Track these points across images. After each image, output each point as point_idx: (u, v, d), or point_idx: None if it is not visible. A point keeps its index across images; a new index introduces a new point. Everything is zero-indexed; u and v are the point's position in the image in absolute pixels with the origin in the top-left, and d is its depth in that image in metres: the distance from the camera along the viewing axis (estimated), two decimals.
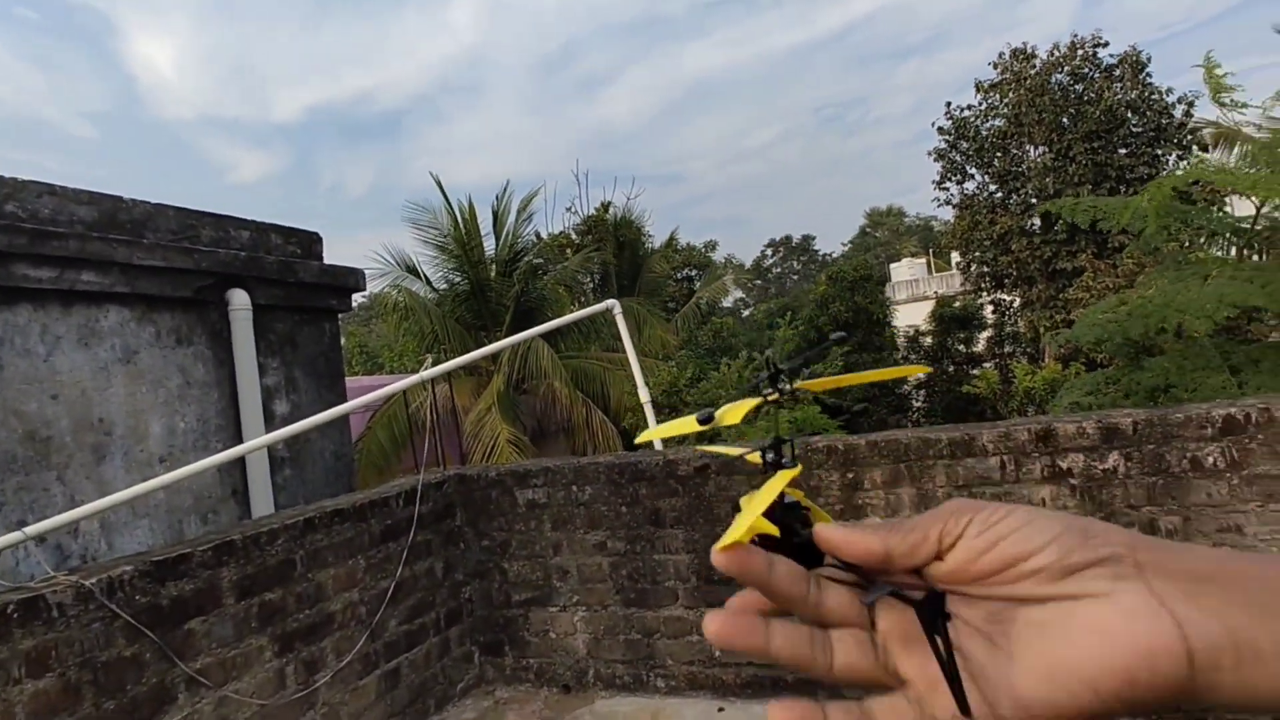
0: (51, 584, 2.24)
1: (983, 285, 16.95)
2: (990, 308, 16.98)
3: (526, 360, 12.14)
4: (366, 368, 20.53)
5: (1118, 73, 15.55)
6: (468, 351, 12.39)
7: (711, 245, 27.54)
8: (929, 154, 17.34)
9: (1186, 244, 6.43)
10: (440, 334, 12.99)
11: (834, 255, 45.32)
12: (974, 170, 16.98)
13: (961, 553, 0.35)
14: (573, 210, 19.49)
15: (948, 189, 17.37)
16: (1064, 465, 2.87)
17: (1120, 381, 5.73)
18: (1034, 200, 15.68)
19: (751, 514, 0.37)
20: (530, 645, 3.70)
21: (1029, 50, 16.35)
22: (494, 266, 13.85)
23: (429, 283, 14.08)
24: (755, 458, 0.44)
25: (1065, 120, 15.49)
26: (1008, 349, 16.36)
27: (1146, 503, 2.78)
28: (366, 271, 4.87)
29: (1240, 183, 5.43)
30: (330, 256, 4.57)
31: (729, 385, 12.02)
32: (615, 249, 17.23)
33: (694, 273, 22.74)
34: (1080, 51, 15.86)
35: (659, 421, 4.74)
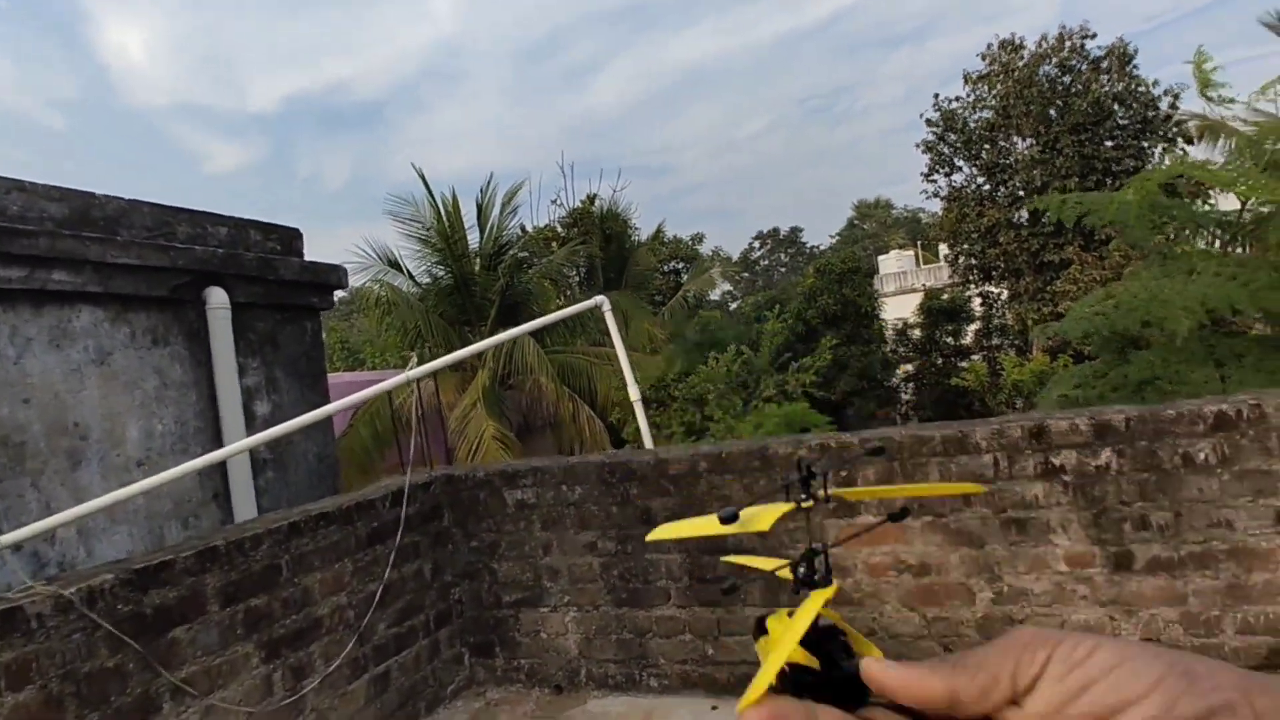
0: (30, 594, 2.17)
1: (970, 278, 17.04)
2: (978, 300, 17.07)
3: (512, 355, 12.06)
4: (348, 364, 20.33)
5: (1105, 65, 15.63)
6: (452, 346, 12.31)
7: (699, 238, 27.50)
8: (917, 146, 17.39)
9: (1172, 237, 6.47)
10: (424, 329, 12.87)
11: (822, 248, 45.42)
12: (962, 162, 17.04)
13: (1045, 698, 0.30)
14: (558, 203, 19.34)
15: (936, 181, 17.43)
16: (1057, 462, 2.87)
17: (1107, 375, 5.76)
18: (1021, 193, 15.76)
19: (784, 648, 0.33)
20: (521, 646, 3.67)
21: (1017, 41, 16.39)
22: (478, 260, 13.73)
23: (411, 277, 13.94)
24: (786, 573, 0.40)
25: (1053, 112, 15.56)
26: (995, 341, 16.48)
27: (1139, 499, 2.78)
28: (348, 265, 4.78)
29: (1221, 179, 5.46)
30: (309, 250, 4.48)
31: (717, 379, 12.00)
32: (601, 242, 17.14)
33: (681, 265, 22.71)
34: (1068, 43, 15.92)
35: (648, 418, 4.69)
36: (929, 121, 17.18)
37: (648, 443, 4.16)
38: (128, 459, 3.34)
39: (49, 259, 3.03)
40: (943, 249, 19.23)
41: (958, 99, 17.04)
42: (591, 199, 18.52)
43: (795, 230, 49.56)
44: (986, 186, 16.59)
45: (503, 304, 13.22)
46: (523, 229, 16.26)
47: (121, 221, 3.45)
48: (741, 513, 0.40)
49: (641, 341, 13.99)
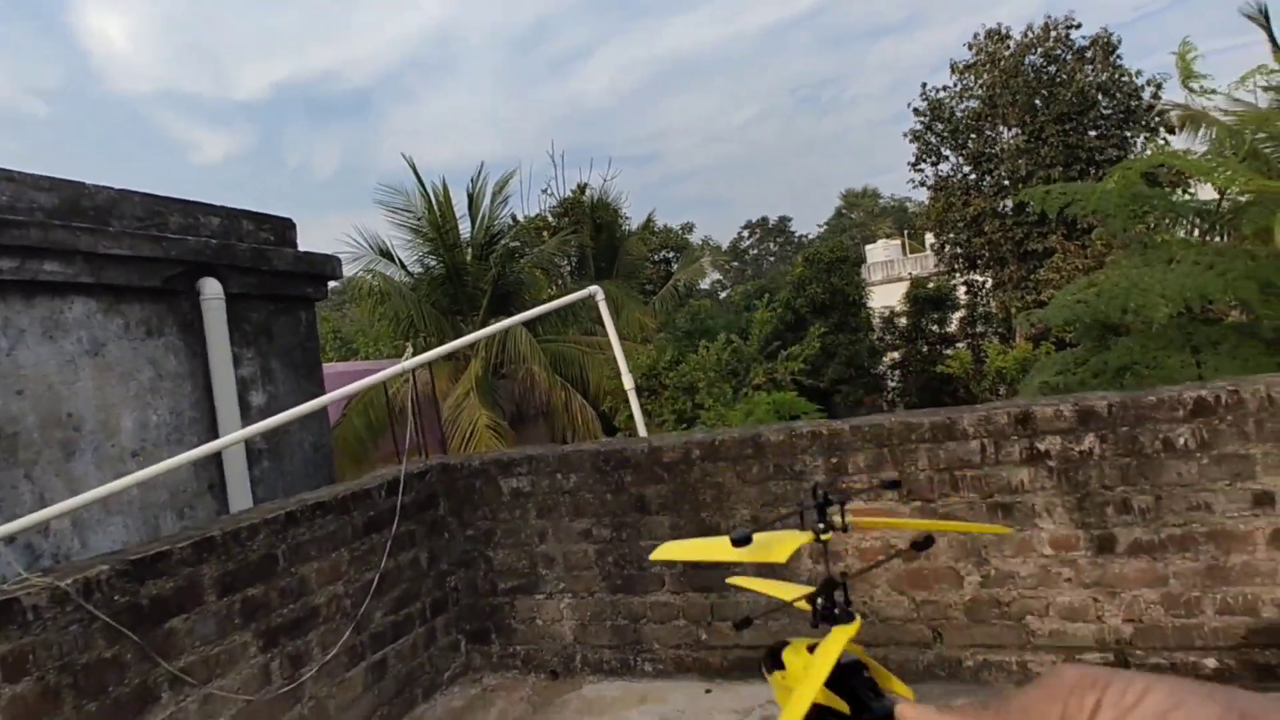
0: (25, 586, 2.17)
1: (956, 266, 17.19)
2: (963, 288, 17.24)
3: (504, 345, 12.05)
4: (341, 354, 20.21)
5: (1089, 55, 15.74)
6: (445, 336, 12.29)
7: (689, 227, 27.50)
8: (905, 135, 17.47)
9: (1152, 226, 6.57)
10: (416, 319, 12.83)
11: (810, 237, 45.53)
12: (948, 152, 17.13)
13: None
14: (549, 192, 19.31)
15: (923, 170, 17.53)
16: (1042, 447, 2.94)
17: (1088, 362, 5.87)
18: (1006, 182, 15.89)
19: (808, 689, 0.34)
20: (517, 633, 3.71)
21: (1003, 31, 16.47)
22: (470, 250, 13.67)
23: (403, 267, 13.87)
24: (804, 604, 0.41)
25: (1038, 102, 15.67)
26: (980, 329, 16.66)
27: (1120, 483, 2.86)
28: (339, 255, 4.77)
29: (1199, 169, 5.55)
30: (300, 240, 4.46)
31: (707, 368, 12.06)
32: (592, 231, 17.11)
33: (671, 254, 22.71)
34: (1053, 33, 16.02)
35: (642, 407, 4.73)
36: (916, 111, 17.26)
37: (641, 431, 4.20)
38: (122, 450, 3.34)
39: (40, 250, 3.00)
40: (929, 238, 19.36)
41: (945, 89, 17.12)
42: (582, 188, 18.47)
43: (784, 219, 49.66)
44: (972, 176, 16.71)
45: (495, 294, 13.19)
46: (514, 218, 16.22)
47: (112, 212, 3.42)
48: (755, 536, 0.40)
49: (633, 330, 14.02)
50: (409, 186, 13.13)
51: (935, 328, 16.52)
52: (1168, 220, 6.32)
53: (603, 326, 4.41)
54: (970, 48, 16.73)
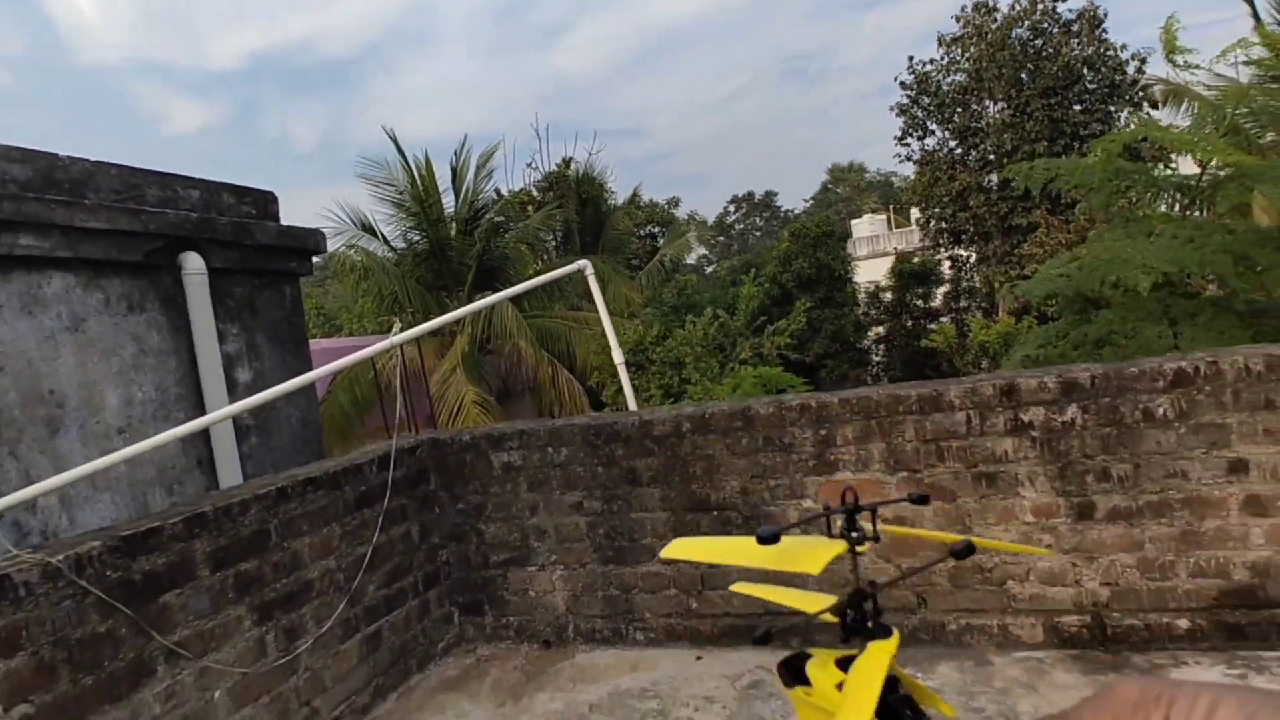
0: (16, 563, 2.17)
1: (941, 241, 17.25)
2: (948, 263, 17.33)
3: (491, 320, 11.99)
4: (324, 330, 19.99)
5: (1075, 28, 15.69)
6: (430, 312, 12.18)
7: (674, 202, 27.32)
8: (891, 109, 17.37)
9: (1134, 200, 6.63)
10: (400, 295, 12.70)
11: (796, 212, 45.42)
12: (935, 126, 17.09)
13: None
14: (534, 166, 19.05)
15: (909, 145, 17.48)
16: (1025, 418, 2.99)
17: (1069, 335, 5.96)
18: (991, 156, 15.91)
19: (858, 711, 0.29)
20: (510, 604, 3.76)
21: (990, 4, 16.35)
22: (454, 225, 13.51)
23: (386, 242, 13.68)
24: (830, 617, 0.37)
25: (1024, 76, 15.63)
26: (964, 304, 16.80)
27: (1101, 452, 2.93)
28: (321, 229, 4.69)
29: (1181, 142, 5.59)
30: (281, 214, 4.39)
31: (694, 343, 12.09)
32: (578, 206, 16.96)
33: (657, 230, 22.59)
34: (1040, 6, 15.93)
35: (631, 382, 4.74)
36: (903, 84, 17.16)
37: (631, 405, 4.22)
38: (108, 426, 3.30)
39: (14, 223, 2.93)
40: (914, 213, 19.40)
41: (931, 62, 17.02)
42: (567, 162, 18.25)
43: (770, 194, 49.44)
44: (958, 150, 16.70)
45: (480, 269, 13.07)
46: (498, 193, 16.01)
47: (88, 184, 3.33)
48: (784, 537, 0.37)
49: (619, 305, 13.97)
50: (391, 159, 12.91)
51: (920, 302, 16.64)
52: (1149, 195, 6.38)
53: (589, 302, 4.40)
54: (958, 20, 16.62)
